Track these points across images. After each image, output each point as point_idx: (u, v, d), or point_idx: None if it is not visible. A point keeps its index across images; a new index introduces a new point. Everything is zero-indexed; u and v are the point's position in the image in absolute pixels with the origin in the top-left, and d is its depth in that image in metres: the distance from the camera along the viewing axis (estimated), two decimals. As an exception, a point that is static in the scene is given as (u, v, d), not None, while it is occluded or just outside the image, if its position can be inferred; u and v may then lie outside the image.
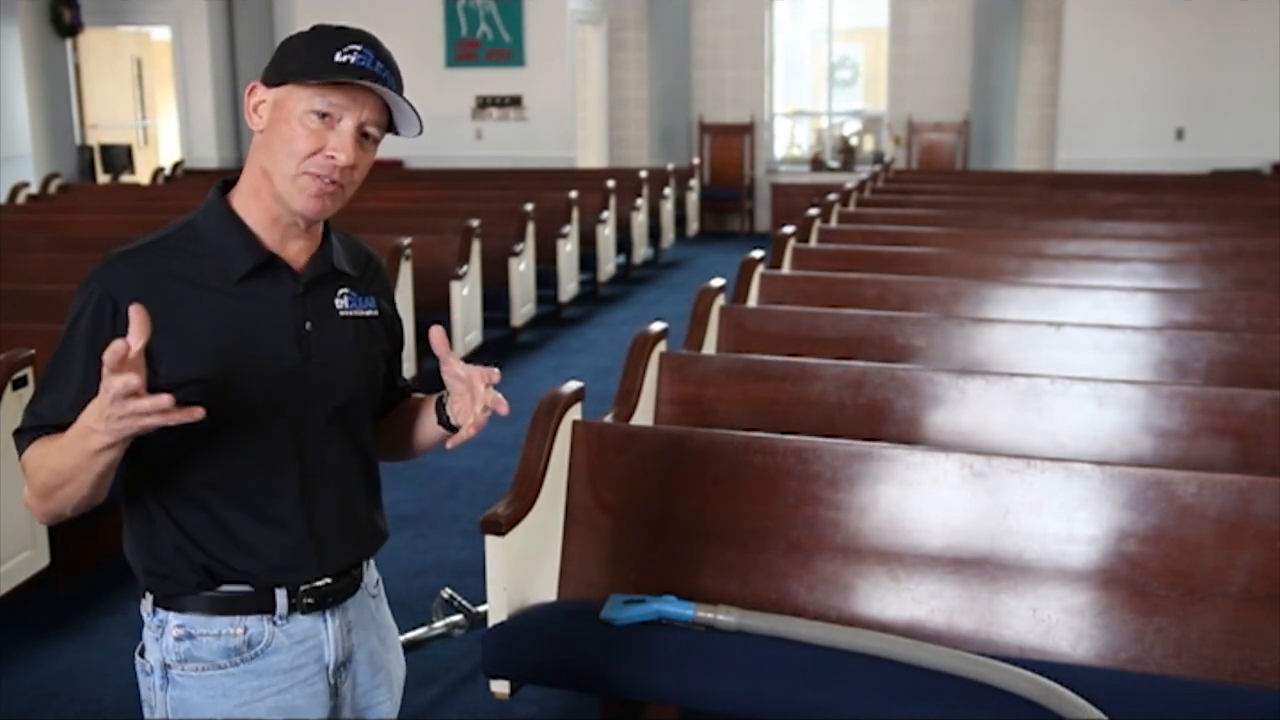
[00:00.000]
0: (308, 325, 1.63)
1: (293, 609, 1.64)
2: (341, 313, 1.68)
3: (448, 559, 4.24)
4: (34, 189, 9.35)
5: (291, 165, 1.56)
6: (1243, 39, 10.70)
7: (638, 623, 2.69)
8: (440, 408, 1.73)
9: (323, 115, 1.55)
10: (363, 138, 1.58)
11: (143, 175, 11.53)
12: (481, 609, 3.27)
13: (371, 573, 1.80)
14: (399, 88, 1.59)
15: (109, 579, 4.13)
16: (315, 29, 1.59)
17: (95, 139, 11.62)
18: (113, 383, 1.31)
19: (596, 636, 2.68)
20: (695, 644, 2.64)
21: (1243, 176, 10.05)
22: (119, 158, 11.59)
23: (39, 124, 10.69)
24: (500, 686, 2.80)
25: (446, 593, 3.66)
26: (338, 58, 1.54)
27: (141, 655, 1.67)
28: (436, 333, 1.62)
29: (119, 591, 4.04)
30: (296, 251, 1.64)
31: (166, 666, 1.62)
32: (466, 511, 4.60)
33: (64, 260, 5.92)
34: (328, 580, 1.66)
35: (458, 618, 3.62)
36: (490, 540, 2.77)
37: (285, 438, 1.61)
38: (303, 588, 1.64)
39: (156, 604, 1.63)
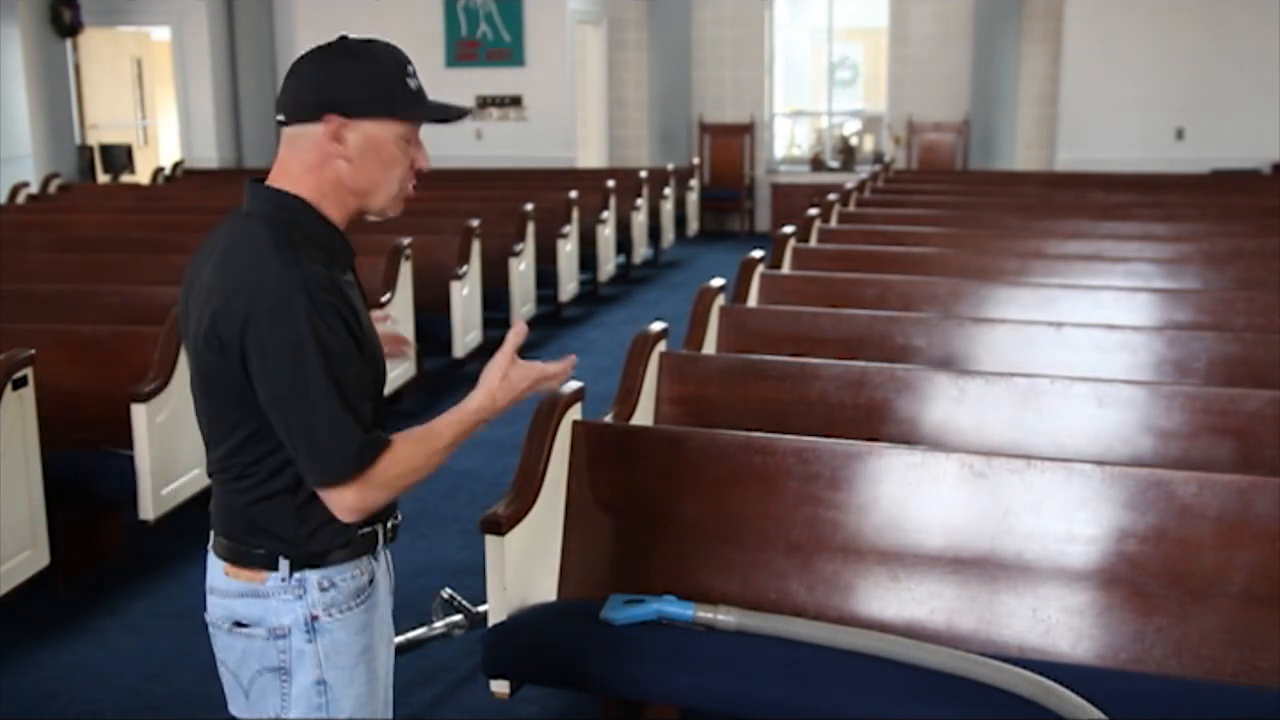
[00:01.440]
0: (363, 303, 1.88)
1: (386, 544, 1.92)
2: (356, 287, 1.90)
3: (448, 559, 4.24)
4: (34, 189, 9.34)
5: (395, 186, 1.82)
6: (1242, 39, 10.70)
7: (638, 623, 2.69)
8: None
9: (406, 139, 1.81)
10: None
11: (143, 175, 11.52)
12: (481, 609, 3.27)
13: None
14: None
15: (109, 579, 4.14)
16: (368, 53, 1.78)
17: (95, 139, 11.60)
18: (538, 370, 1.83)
19: (596, 636, 2.68)
20: (695, 644, 2.64)
21: (1243, 176, 10.05)
22: (119, 158, 11.58)
23: (39, 124, 10.68)
24: (500, 686, 2.80)
25: (446, 593, 3.65)
26: (410, 85, 1.79)
27: (261, 628, 1.82)
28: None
29: (119, 591, 4.04)
30: None
31: (313, 619, 1.82)
32: (466, 511, 4.60)
33: (64, 260, 5.93)
34: (398, 516, 1.96)
35: (458, 618, 3.62)
36: (490, 540, 2.77)
37: (377, 403, 1.83)
38: (389, 524, 1.92)
39: (294, 568, 1.81)
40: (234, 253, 1.75)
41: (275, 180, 1.80)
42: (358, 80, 1.75)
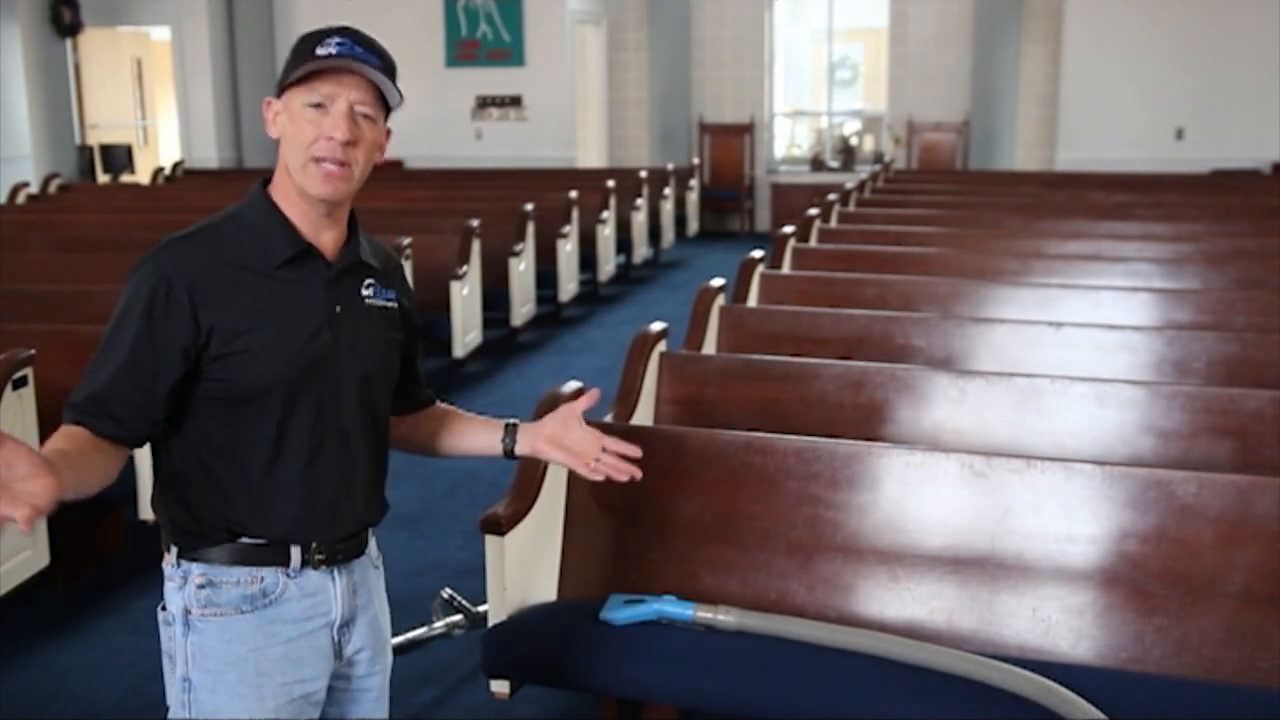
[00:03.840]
0: (338, 309, 1.80)
1: (305, 563, 1.79)
2: (367, 300, 1.86)
3: (448, 559, 4.24)
4: (34, 189, 9.35)
5: (301, 156, 1.72)
6: (1242, 39, 10.70)
7: (638, 623, 2.69)
8: (510, 434, 1.99)
9: (317, 105, 1.72)
10: (362, 118, 1.74)
11: (143, 175, 11.52)
12: (481, 609, 3.27)
13: (374, 545, 1.96)
14: (385, 66, 1.75)
15: (109, 579, 4.13)
16: (302, 36, 1.76)
17: (95, 139, 11.61)
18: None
19: (596, 636, 2.68)
20: (695, 644, 2.64)
21: (1243, 176, 10.05)
22: (119, 158, 11.58)
23: (39, 124, 10.68)
24: (500, 686, 2.79)
25: (446, 593, 3.66)
26: (319, 51, 1.71)
27: (164, 609, 1.83)
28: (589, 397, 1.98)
29: (119, 591, 4.04)
30: (328, 242, 1.80)
31: (187, 613, 1.78)
32: (466, 511, 4.59)
33: (64, 260, 5.93)
34: (349, 538, 1.84)
35: (458, 618, 3.62)
36: (490, 540, 2.77)
37: (311, 409, 1.76)
38: (314, 544, 1.79)
39: (181, 555, 1.79)
40: None
41: None
42: (286, 62, 1.76)
